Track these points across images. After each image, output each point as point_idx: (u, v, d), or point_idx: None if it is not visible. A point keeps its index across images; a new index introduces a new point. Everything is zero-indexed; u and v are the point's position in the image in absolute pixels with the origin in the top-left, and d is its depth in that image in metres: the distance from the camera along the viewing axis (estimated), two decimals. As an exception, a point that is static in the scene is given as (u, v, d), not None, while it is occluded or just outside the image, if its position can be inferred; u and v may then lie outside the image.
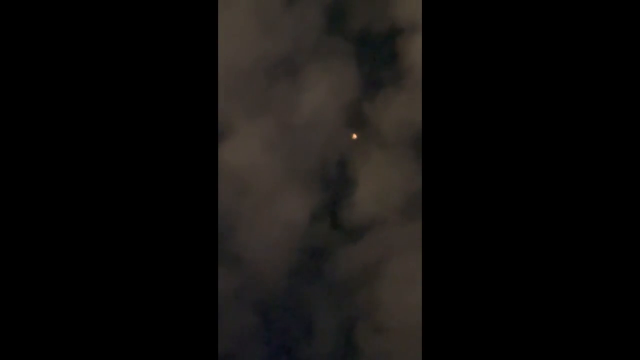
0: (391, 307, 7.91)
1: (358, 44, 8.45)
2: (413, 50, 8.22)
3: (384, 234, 8.14)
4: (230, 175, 8.12)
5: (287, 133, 8.37)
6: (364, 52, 8.43)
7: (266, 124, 8.37)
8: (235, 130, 8.34)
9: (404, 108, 8.22)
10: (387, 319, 7.91)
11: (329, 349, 8.10)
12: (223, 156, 7.91)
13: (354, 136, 8.38)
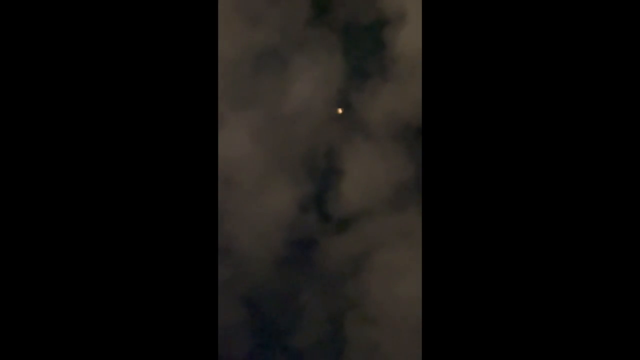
0: (380, 297, 7.93)
1: (344, 35, 8.43)
2: (400, 40, 8.21)
3: (372, 225, 8.15)
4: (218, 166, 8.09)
5: (273, 124, 8.35)
6: (350, 43, 8.41)
7: (252, 115, 8.35)
8: (221, 121, 8.31)
9: (391, 99, 8.22)
10: (375, 309, 7.93)
11: (318, 339, 8.12)
12: (210, 148, 7.87)
13: (340, 110, 8.37)
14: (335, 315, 8.10)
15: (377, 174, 8.19)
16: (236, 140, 8.26)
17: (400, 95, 8.23)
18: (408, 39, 8.21)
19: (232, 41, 8.29)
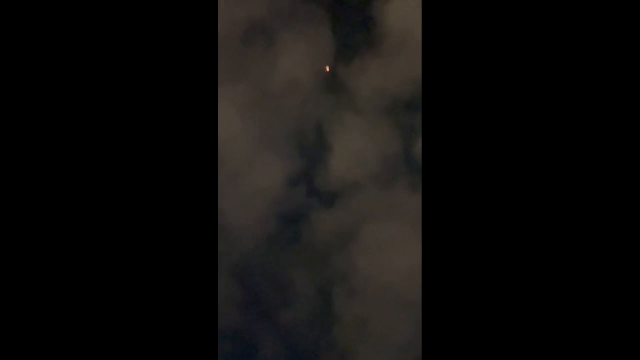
0: (367, 271, 7.96)
1: (332, 10, 8.44)
2: (388, 15, 8.21)
3: (360, 199, 8.17)
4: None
5: (262, 99, 8.36)
6: (339, 17, 8.41)
7: (242, 90, 8.35)
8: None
9: (379, 74, 8.22)
10: (363, 283, 7.96)
11: (307, 313, 8.15)
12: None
13: (327, 69, 8.37)
14: (324, 289, 8.13)
15: (366, 148, 8.21)
16: (224, 116, 8.26)
17: (389, 70, 8.23)
18: (396, 14, 8.22)
19: (221, 17, 8.28)
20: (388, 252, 7.92)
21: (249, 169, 8.31)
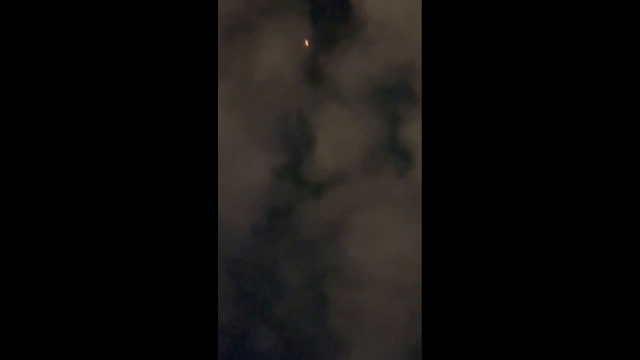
0: (359, 261, 7.96)
1: (311, 1, 8.41)
2: (366, 3, 8.18)
3: (347, 189, 8.16)
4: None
5: (244, 93, 8.32)
6: (317, 7, 8.39)
7: (223, 84, 8.30)
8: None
9: (361, 62, 8.20)
10: (355, 273, 7.96)
11: (301, 304, 8.15)
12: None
13: (307, 43, 8.35)
14: (315, 280, 8.13)
15: (350, 137, 8.20)
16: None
17: (369, 57, 8.21)
18: (374, 1, 8.19)
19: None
20: (378, 240, 7.92)
21: (234, 163, 8.29)
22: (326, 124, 8.29)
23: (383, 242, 7.94)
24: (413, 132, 8.00)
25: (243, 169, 8.31)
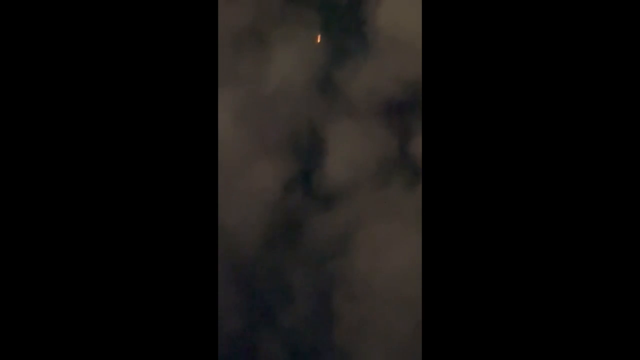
0: (366, 273, 7.95)
1: (322, 12, 8.43)
2: (379, 16, 8.20)
3: (356, 202, 8.17)
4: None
5: (255, 104, 8.35)
6: (329, 19, 8.41)
7: (234, 95, 8.35)
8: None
9: (372, 75, 8.22)
10: (363, 285, 7.95)
11: (307, 314, 8.15)
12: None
13: (318, 38, 8.36)
14: (323, 290, 8.13)
15: (360, 150, 8.20)
16: (219, 121, 8.26)
17: (381, 71, 8.23)
18: (387, 15, 8.21)
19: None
20: (385, 252, 7.91)
21: (246, 174, 8.32)
22: (336, 137, 8.30)
23: (390, 255, 7.92)
24: (421, 144, 8.00)
25: (253, 180, 8.33)
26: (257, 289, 8.35)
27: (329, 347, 8.09)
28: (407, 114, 8.22)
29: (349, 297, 8.05)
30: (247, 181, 8.34)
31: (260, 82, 8.33)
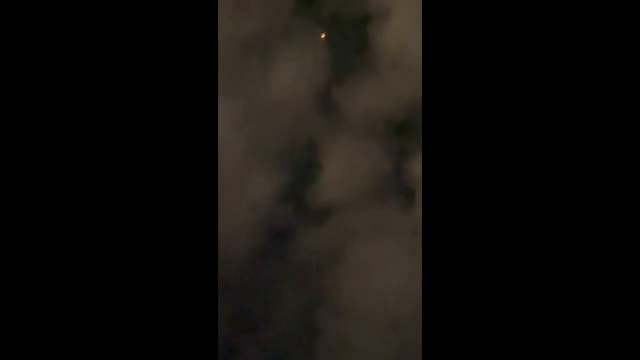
0: (353, 291, 7.96)
1: (329, 28, 8.47)
2: (383, 37, 8.25)
3: (348, 218, 8.19)
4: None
5: (254, 113, 8.36)
6: (335, 36, 8.45)
7: (234, 103, 8.36)
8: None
9: (373, 94, 8.26)
10: (348, 302, 7.96)
11: (291, 329, 8.15)
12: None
13: (323, 35, 8.40)
14: (309, 306, 8.13)
15: (356, 167, 8.24)
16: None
17: (382, 91, 8.27)
18: (391, 36, 8.26)
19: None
20: (375, 272, 7.93)
21: (239, 183, 8.32)
22: (333, 153, 8.33)
23: (379, 275, 7.95)
24: (417, 167, 8.05)
25: (246, 190, 8.33)
26: (241, 297, 8.34)
27: (311, 362, 8.11)
28: (404, 136, 8.27)
29: (334, 313, 8.06)
30: (239, 190, 8.34)
31: (261, 93, 8.35)
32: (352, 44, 8.47)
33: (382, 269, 7.92)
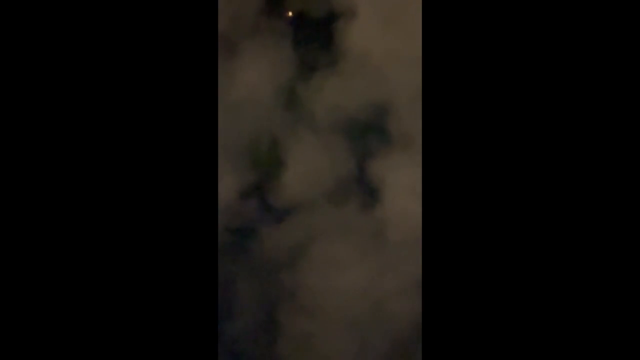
0: (315, 289, 8.00)
1: (295, 26, 8.47)
2: (349, 35, 8.26)
3: (311, 217, 8.21)
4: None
5: (219, 110, 8.33)
6: (301, 34, 8.45)
7: (198, 100, 8.33)
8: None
9: (337, 93, 8.27)
10: (310, 301, 8.00)
11: (251, 326, 8.17)
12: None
13: (290, 13, 8.40)
14: (269, 303, 8.15)
15: (319, 166, 8.25)
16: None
17: (347, 89, 8.28)
18: (357, 34, 8.27)
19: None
20: (336, 271, 7.97)
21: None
22: (296, 151, 8.34)
23: (339, 273, 7.99)
24: (381, 169, 8.09)
25: (209, 185, 8.31)
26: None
27: (270, 358, 8.12)
28: (368, 136, 8.30)
29: (295, 310, 8.09)
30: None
31: (225, 89, 8.32)
32: (317, 42, 8.47)
33: (342, 268, 7.96)
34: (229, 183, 8.27)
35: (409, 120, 7.94)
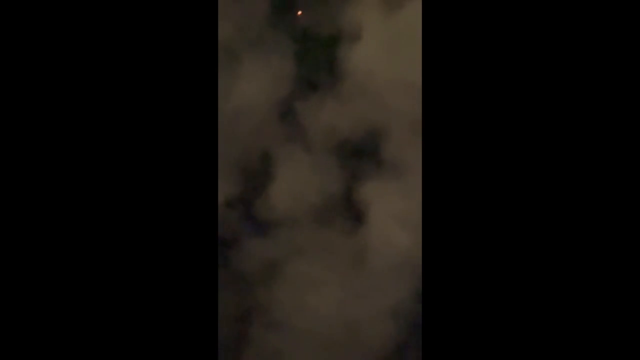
0: (289, 306, 7.96)
1: (300, 43, 8.49)
2: (352, 58, 8.27)
3: (293, 233, 8.19)
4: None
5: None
6: (305, 51, 8.47)
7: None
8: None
9: (334, 113, 8.27)
10: (283, 317, 7.97)
11: (223, 337, 8.12)
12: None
13: (299, 13, 8.40)
14: (243, 316, 8.12)
15: (308, 184, 8.24)
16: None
17: (344, 111, 8.29)
18: (360, 58, 8.28)
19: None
20: (313, 291, 7.94)
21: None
22: (287, 166, 8.33)
23: (315, 293, 7.96)
24: (369, 194, 8.07)
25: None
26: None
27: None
28: (359, 159, 8.30)
29: (267, 325, 8.06)
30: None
31: (223, 98, 8.32)
32: (320, 62, 8.48)
33: (320, 288, 7.92)
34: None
35: (402, 147, 7.94)
